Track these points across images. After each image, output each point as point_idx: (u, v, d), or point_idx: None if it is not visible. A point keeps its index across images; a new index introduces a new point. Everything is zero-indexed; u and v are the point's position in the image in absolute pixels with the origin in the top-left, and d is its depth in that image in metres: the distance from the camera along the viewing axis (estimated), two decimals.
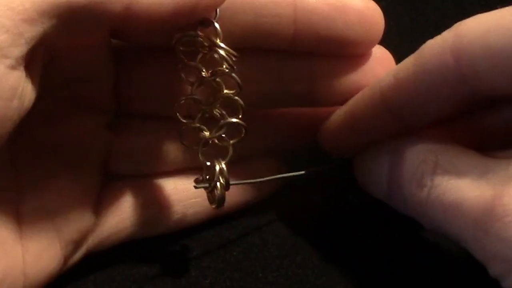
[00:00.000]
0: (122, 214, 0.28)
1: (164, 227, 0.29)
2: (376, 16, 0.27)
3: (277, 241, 0.29)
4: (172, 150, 0.29)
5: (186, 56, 0.26)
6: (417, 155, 0.25)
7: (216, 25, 0.25)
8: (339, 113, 0.28)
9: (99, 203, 0.28)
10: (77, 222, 0.26)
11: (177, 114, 0.26)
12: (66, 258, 0.26)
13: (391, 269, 0.28)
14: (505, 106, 0.26)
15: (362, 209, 0.30)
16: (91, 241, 0.27)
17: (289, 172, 0.29)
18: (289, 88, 0.28)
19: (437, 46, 0.24)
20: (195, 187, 0.27)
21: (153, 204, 0.29)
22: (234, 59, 0.25)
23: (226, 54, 0.25)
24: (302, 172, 0.29)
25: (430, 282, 0.28)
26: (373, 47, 0.28)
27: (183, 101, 0.26)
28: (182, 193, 0.29)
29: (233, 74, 0.25)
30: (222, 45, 0.25)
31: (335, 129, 0.28)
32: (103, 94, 0.27)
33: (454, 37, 0.23)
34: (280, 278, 0.28)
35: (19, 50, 0.20)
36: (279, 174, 0.29)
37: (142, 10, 0.22)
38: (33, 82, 0.22)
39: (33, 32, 0.21)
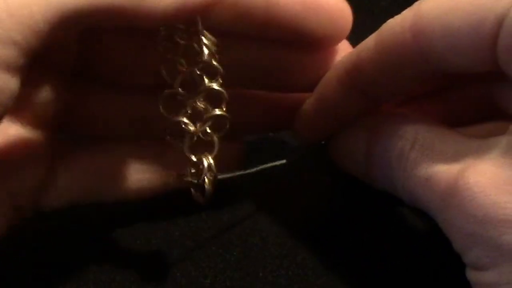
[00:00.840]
0: (72, 176, 0.28)
1: (113, 195, 0.29)
2: (345, 14, 0.27)
3: (277, 241, 0.29)
4: (129, 119, 0.29)
5: (166, 49, 0.26)
6: (397, 131, 0.25)
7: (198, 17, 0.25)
8: (310, 100, 0.28)
9: (52, 162, 0.27)
10: (28, 179, 0.26)
11: (161, 108, 0.26)
12: (16, 216, 0.26)
13: (391, 268, 0.28)
14: (472, 83, 0.27)
15: (358, 206, 0.30)
16: (41, 199, 0.27)
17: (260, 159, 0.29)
18: (260, 76, 0.28)
19: (397, 25, 0.24)
20: (185, 185, 0.26)
21: (104, 170, 0.28)
22: (215, 48, 0.25)
23: (208, 43, 0.25)
24: (284, 161, 0.29)
25: (430, 281, 0.28)
26: (341, 42, 0.28)
27: (166, 94, 0.26)
28: (134, 164, 0.29)
29: (215, 63, 0.25)
30: (205, 32, 0.25)
31: (308, 115, 0.29)
32: (67, 57, 0.27)
33: (414, 17, 0.24)
34: (280, 278, 0.28)
35: (23, 61, 0.20)
36: (246, 159, 0.29)
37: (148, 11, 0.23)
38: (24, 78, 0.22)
39: (36, 44, 0.20)
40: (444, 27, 0.23)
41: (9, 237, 0.26)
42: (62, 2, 0.20)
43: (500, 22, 0.22)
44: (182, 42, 0.26)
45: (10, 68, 0.20)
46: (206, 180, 0.26)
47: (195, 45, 0.25)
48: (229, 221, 0.30)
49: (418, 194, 0.24)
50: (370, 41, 0.26)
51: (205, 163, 0.26)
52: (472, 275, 0.23)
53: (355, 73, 0.26)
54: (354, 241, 0.29)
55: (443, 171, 0.23)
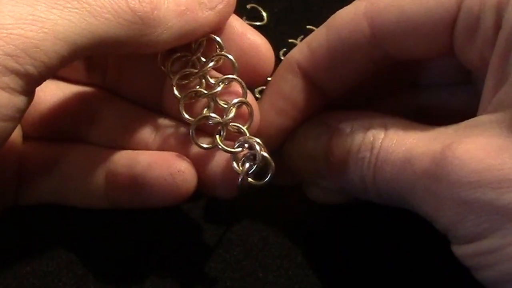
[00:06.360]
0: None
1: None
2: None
3: (277, 241, 0.29)
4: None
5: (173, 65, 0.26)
6: (364, 123, 0.25)
7: None
8: (265, 96, 0.28)
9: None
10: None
11: (184, 113, 0.26)
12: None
13: (391, 268, 0.28)
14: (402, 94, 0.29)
15: (358, 206, 0.30)
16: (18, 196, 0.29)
17: None
18: None
19: (350, 14, 0.25)
20: (249, 178, 0.26)
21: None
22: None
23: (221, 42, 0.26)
24: None
25: (429, 281, 0.28)
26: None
27: (185, 95, 0.26)
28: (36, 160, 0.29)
29: (231, 57, 0.26)
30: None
31: (264, 114, 0.28)
32: None
33: (367, 4, 0.25)
34: (280, 278, 0.28)
35: (34, 86, 0.22)
36: None
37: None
38: None
39: (46, 73, 0.22)
40: (400, 12, 0.24)
41: None
42: (71, 38, 0.22)
43: (459, 5, 0.23)
44: (188, 56, 0.26)
45: (22, 92, 0.21)
46: (266, 154, 0.25)
47: (200, 56, 0.26)
48: (229, 221, 0.30)
49: (392, 178, 0.24)
50: (320, 33, 0.26)
51: (256, 145, 0.25)
52: (464, 249, 0.22)
53: (308, 65, 0.27)
54: (354, 241, 0.29)
55: (425, 150, 0.23)
